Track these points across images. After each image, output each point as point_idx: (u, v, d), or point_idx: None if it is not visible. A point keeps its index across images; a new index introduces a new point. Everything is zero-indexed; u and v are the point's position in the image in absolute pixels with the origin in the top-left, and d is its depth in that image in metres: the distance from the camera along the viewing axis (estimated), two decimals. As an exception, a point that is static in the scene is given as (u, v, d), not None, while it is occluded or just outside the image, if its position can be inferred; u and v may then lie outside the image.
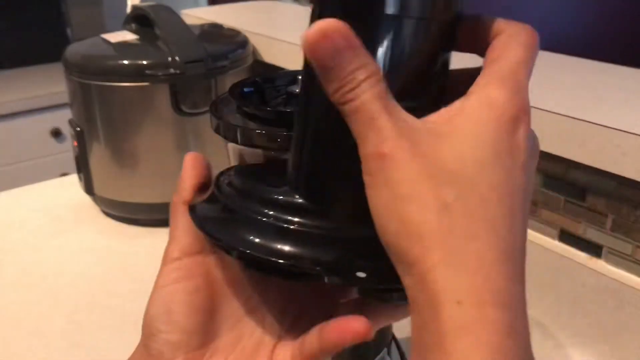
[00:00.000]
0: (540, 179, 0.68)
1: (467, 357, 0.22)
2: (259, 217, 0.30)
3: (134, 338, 0.64)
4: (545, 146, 0.63)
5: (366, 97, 0.24)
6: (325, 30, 0.24)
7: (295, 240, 0.29)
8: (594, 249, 0.65)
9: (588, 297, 0.65)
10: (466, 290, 0.22)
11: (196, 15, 1.20)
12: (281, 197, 0.30)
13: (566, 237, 0.67)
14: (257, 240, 0.29)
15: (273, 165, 0.34)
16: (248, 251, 0.29)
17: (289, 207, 0.30)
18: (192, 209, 0.33)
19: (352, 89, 0.24)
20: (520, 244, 0.25)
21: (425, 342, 0.23)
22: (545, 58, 0.85)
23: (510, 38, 0.27)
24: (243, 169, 0.36)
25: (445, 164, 0.24)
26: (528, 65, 0.26)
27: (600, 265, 0.64)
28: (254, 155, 0.45)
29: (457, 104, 0.25)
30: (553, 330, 0.68)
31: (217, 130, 0.45)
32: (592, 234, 0.65)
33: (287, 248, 0.28)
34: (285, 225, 0.29)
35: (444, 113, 0.25)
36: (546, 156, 0.66)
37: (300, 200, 0.30)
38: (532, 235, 0.70)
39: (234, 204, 0.32)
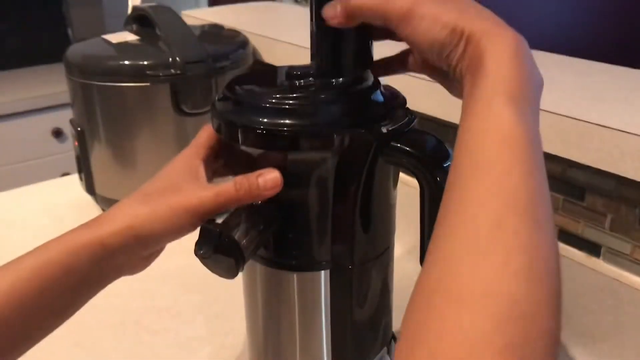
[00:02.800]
0: (539, 178, 0.69)
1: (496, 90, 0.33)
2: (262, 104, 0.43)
3: (134, 337, 0.64)
4: (545, 146, 0.63)
5: None
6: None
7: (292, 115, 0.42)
8: (593, 248, 0.65)
9: (587, 296, 0.65)
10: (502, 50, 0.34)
11: (197, 16, 1.20)
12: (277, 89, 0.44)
13: (565, 236, 0.68)
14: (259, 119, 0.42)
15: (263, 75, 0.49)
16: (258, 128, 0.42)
17: (284, 92, 0.43)
18: (212, 106, 0.46)
19: None
20: None
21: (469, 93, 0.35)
22: (546, 58, 0.85)
23: None
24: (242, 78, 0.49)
25: None
26: None
27: (599, 264, 0.64)
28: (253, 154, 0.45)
29: None
30: (552, 330, 0.68)
31: (218, 131, 0.45)
32: (590, 234, 0.65)
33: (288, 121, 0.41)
34: (284, 107, 0.42)
35: None
36: (545, 156, 0.66)
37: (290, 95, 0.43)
38: (532, 234, 0.70)
39: (243, 98, 0.44)
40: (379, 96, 0.46)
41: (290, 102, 0.42)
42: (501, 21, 0.36)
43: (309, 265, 0.48)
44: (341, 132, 0.42)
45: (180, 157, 0.47)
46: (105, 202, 0.94)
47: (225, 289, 0.73)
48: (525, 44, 0.35)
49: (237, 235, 0.42)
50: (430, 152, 0.43)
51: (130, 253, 0.43)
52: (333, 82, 0.44)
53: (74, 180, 1.00)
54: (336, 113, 0.43)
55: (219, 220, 0.43)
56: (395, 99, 0.47)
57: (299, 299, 0.49)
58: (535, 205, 0.30)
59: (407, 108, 0.46)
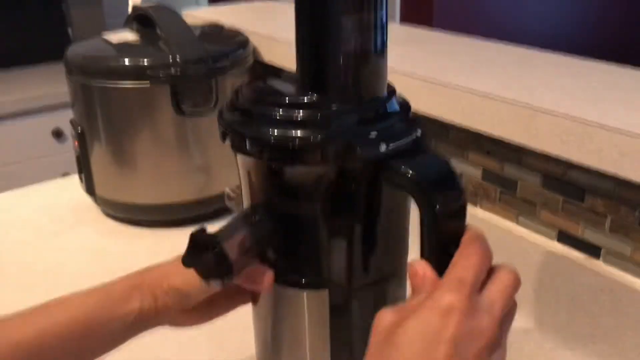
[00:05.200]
0: (539, 179, 0.68)
1: None
2: (270, 115, 0.40)
3: (134, 337, 0.64)
4: (544, 146, 0.63)
5: None
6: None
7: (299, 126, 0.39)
8: (593, 250, 0.65)
9: (586, 297, 0.65)
10: None
11: (197, 16, 1.20)
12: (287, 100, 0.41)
13: (565, 237, 0.68)
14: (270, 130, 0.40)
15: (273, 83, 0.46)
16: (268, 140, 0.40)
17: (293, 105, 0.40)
18: (219, 115, 0.44)
19: None
20: None
21: None
22: (546, 58, 0.85)
23: (467, 246, 0.37)
24: (250, 85, 0.46)
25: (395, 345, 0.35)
26: (476, 270, 0.35)
27: (598, 266, 0.64)
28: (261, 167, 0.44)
29: (414, 302, 0.36)
30: (552, 331, 0.68)
31: (224, 139, 0.44)
32: (590, 235, 0.65)
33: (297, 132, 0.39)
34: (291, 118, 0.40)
35: (407, 307, 0.36)
36: (545, 156, 0.66)
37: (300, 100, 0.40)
38: (531, 236, 0.70)
39: (250, 107, 0.42)
40: (394, 106, 0.42)
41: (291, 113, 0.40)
42: None
43: (313, 283, 0.46)
44: (332, 148, 0.39)
45: None
46: (105, 203, 0.94)
47: (225, 289, 0.73)
48: None
49: (227, 246, 0.41)
50: (428, 175, 0.39)
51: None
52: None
53: (74, 181, 1.00)
54: (336, 127, 0.40)
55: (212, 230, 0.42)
56: (405, 111, 0.44)
57: (300, 316, 0.47)
58: None
59: (416, 121, 0.43)
